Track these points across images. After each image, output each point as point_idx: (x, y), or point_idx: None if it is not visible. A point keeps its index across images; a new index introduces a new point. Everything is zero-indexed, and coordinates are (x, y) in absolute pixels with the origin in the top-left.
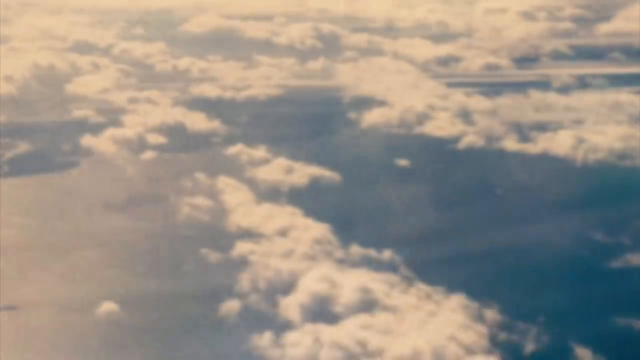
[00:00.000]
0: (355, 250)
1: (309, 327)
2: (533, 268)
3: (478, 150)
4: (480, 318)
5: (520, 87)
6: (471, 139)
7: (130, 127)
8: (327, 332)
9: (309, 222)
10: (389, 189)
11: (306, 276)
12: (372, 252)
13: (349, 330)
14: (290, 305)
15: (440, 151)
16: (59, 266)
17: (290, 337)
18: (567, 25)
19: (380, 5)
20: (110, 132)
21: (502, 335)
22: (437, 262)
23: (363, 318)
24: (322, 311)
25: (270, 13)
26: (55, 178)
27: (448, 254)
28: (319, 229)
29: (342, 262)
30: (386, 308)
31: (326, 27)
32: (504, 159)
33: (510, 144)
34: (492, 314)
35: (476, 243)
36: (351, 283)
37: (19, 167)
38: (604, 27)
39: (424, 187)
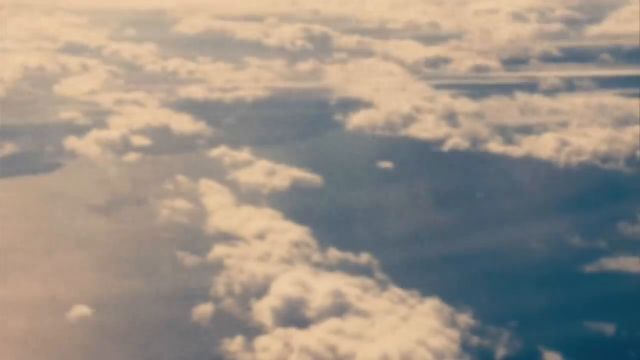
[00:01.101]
0: (333, 253)
1: (280, 331)
2: (509, 272)
3: (462, 152)
4: (453, 322)
5: (507, 89)
6: (456, 141)
7: (115, 129)
8: (297, 336)
9: (288, 225)
10: (370, 192)
11: (279, 280)
12: (350, 256)
13: (319, 335)
14: (263, 310)
15: (424, 153)
16: (39, 268)
17: (261, 341)
18: (558, 27)
19: (373, 7)
20: (95, 134)
21: (475, 340)
22: (413, 266)
23: (334, 323)
24: (293, 316)
25: (262, 14)
26: (39, 180)
27: (425, 258)
28: (297, 232)
29: (319, 266)
30: (359, 312)
31: (317, 29)
32: (488, 161)
33: (495, 146)
34: (465, 318)
35: (454, 247)
36: (324, 287)
37: (4, 168)
38: (594, 29)
39: (406, 189)
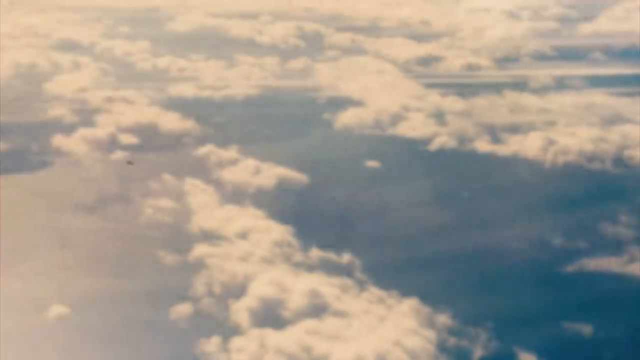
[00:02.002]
0: (315, 253)
1: (256, 332)
2: (489, 272)
3: (449, 151)
4: (430, 323)
5: (497, 87)
6: (443, 140)
7: (103, 127)
8: (273, 337)
9: (271, 224)
10: (356, 191)
11: (257, 280)
12: (331, 256)
13: (295, 336)
14: (240, 310)
15: (411, 152)
16: (20, 267)
17: (236, 342)
18: (551, 25)
19: (366, 4)
20: (82, 132)
21: (452, 341)
22: (395, 266)
23: (311, 323)
24: (270, 316)
25: (256, 11)
26: (25, 178)
27: (406, 258)
28: (280, 232)
29: (299, 266)
30: (336, 313)
31: (310, 26)
32: (475, 160)
33: (482, 145)
34: (443, 318)
35: (436, 247)
36: (302, 287)
37: None
38: (587, 27)
39: (391, 188)
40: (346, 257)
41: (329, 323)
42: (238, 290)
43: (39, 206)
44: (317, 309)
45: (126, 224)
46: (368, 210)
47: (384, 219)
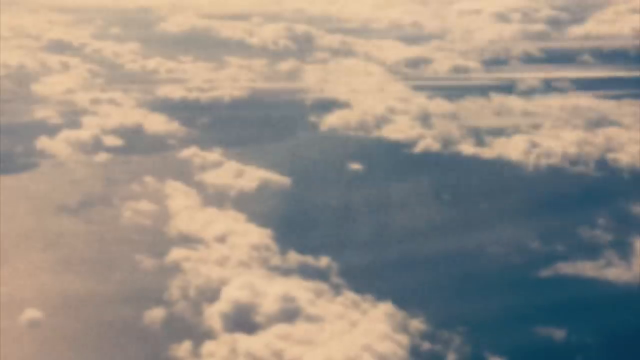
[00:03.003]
0: (293, 257)
1: (227, 337)
2: (466, 276)
3: (433, 154)
4: (404, 327)
5: (484, 90)
6: (428, 142)
7: (87, 129)
8: (244, 342)
9: (251, 227)
10: (337, 194)
11: (230, 285)
12: (309, 259)
13: (266, 341)
14: (213, 314)
15: (395, 155)
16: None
17: (208, 347)
18: (541, 27)
19: (357, 6)
20: (66, 134)
21: (424, 345)
22: (372, 270)
23: (283, 328)
24: (242, 320)
25: (248, 12)
26: (8, 180)
27: (384, 262)
28: (259, 235)
29: (276, 269)
30: (309, 317)
31: (301, 28)
32: (458, 163)
33: (466, 148)
34: (417, 323)
35: (414, 250)
36: (276, 292)
37: None
38: (576, 30)
39: (373, 192)
40: (324, 261)
41: (301, 328)
42: (212, 294)
43: (22, 208)
44: (290, 313)
45: (107, 227)
46: (348, 213)
47: (363, 223)
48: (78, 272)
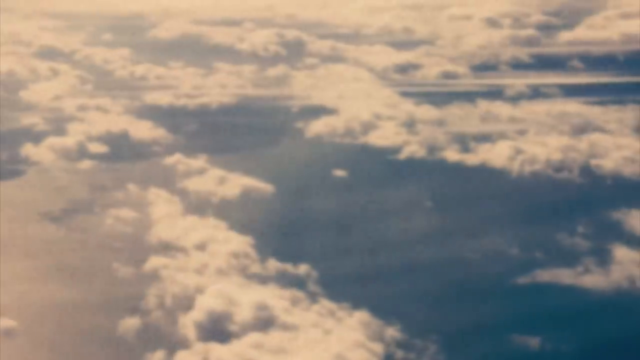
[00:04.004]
0: (272, 264)
1: (201, 346)
2: (444, 284)
3: (418, 160)
4: (379, 336)
5: (472, 96)
6: (413, 149)
7: (72, 136)
8: (217, 351)
9: (232, 235)
10: (320, 201)
11: (205, 293)
12: (289, 267)
13: (239, 350)
14: (188, 323)
15: (379, 161)
16: None
17: (181, 356)
18: (531, 32)
19: (349, 11)
20: (51, 141)
21: (399, 354)
22: (350, 278)
23: (256, 337)
24: (216, 329)
25: (240, 18)
26: None
27: (363, 269)
28: (239, 243)
29: (254, 277)
30: (283, 326)
31: (292, 34)
32: (442, 170)
33: (451, 154)
34: (392, 331)
35: (393, 258)
36: (250, 300)
37: None
38: (567, 35)
39: (356, 199)
40: (303, 269)
41: (275, 337)
42: (189, 303)
43: (6, 216)
44: (264, 322)
45: (88, 234)
46: (330, 220)
47: (345, 230)
48: (56, 280)
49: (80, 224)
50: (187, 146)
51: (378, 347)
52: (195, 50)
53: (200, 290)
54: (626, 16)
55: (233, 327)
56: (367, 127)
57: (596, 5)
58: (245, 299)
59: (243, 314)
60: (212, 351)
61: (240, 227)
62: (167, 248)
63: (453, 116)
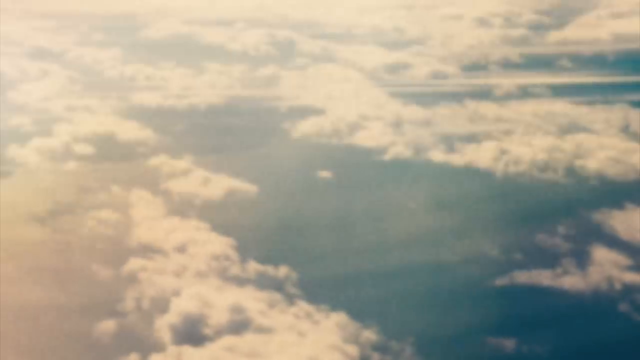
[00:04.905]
0: (252, 266)
1: (175, 349)
2: (423, 287)
3: (403, 161)
4: (355, 338)
5: (461, 96)
6: (399, 149)
7: (58, 137)
8: (191, 354)
9: (213, 236)
10: (304, 202)
11: (181, 295)
12: (269, 269)
13: (213, 353)
14: (163, 326)
15: (365, 162)
16: None
17: (154, 359)
18: (522, 32)
19: (341, 11)
20: (37, 142)
21: (375, 357)
22: (330, 280)
23: (230, 340)
24: (190, 332)
25: (231, 18)
26: None
27: (343, 271)
28: (220, 245)
29: (232, 279)
30: (258, 329)
31: (283, 33)
32: (427, 171)
33: (437, 155)
34: (369, 334)
35: (374, 260)
36: (226, 302)
37: None
38: (557, 35)
39: (341, 200)
40: (283, 271)
41: (249, 339)
42: (165, 305)
43: None
44: (239, 325)
45: (71, 236)
46: (313, 222)
47: (328, 232)
48: (36, 282)
49: (64, 226)
50: (174, 147)
51: (353, 350)
52: (187, 50)
53: (177, 292)
54: (617, 15)
55: (207, 330)
56: (354, 128)
57: (588, 4)
58: (221, 301)
59: (218, 316)
60: (185, 354)
61: (223, 228)
62: (147, 250)
63: (440, 116)
